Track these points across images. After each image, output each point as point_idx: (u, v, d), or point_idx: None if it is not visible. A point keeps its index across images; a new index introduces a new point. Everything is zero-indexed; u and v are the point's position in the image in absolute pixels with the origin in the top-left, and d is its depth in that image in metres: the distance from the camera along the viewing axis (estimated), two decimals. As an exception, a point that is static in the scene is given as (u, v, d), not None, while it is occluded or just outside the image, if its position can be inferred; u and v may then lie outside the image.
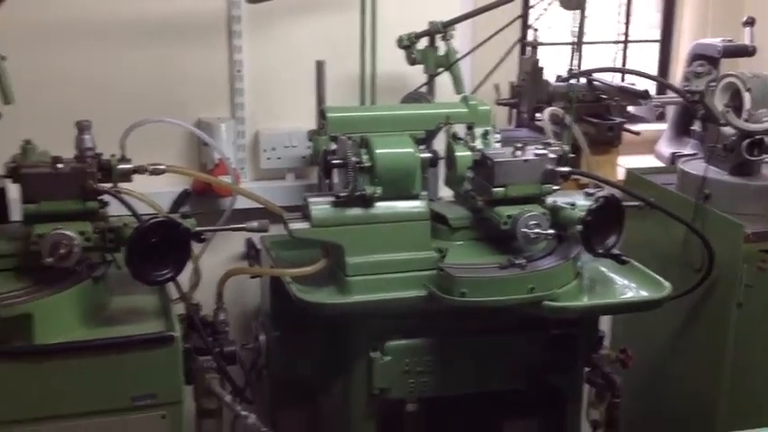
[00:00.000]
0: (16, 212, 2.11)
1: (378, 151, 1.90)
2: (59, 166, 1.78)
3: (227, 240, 2.43)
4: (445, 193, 2.29)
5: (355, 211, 1.93)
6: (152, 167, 1.90)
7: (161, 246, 1.74)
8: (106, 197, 1.83)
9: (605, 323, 2.36)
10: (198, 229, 1.84)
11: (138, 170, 1.88)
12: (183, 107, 2.31)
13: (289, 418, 2.34)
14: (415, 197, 1.96)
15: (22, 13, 2.16)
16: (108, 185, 1.82)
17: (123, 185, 1.86)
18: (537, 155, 1.94)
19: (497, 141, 2.07)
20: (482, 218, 2.00)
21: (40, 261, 1.73)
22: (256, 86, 2.42)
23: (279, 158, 2.46)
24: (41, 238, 1.73)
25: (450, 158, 2.00)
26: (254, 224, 1.95)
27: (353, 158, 1.89)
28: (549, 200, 1.99)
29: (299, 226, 1.93)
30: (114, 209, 1.85)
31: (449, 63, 2.32)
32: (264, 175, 2.48)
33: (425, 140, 2.09)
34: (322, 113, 2.07)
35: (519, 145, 1.95)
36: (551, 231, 1.89)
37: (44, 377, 1.69)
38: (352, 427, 2.07)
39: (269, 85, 2.43)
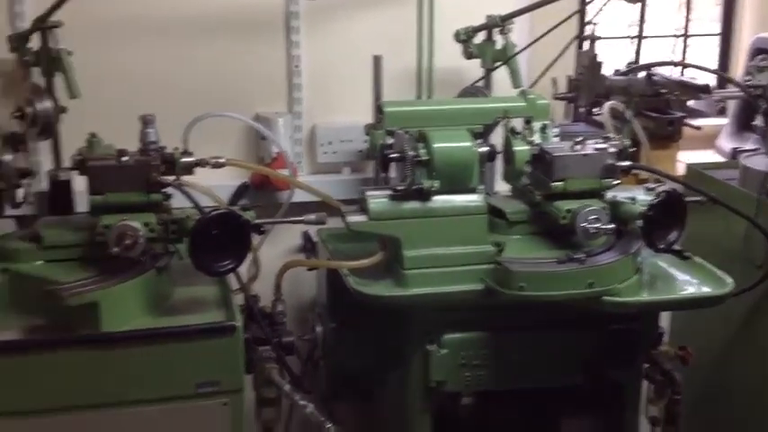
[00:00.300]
0: (80, 204, 2.19)
1: (435, 145, 1.91)
2: (124, 159, 1.82)
3: (284, 233, 2.46)
4: (501, 187, 2.29)
5: (412, 205, 1.94)
6: (213, 161, 1.93)
7: (222, 237, 1.77)
8: (169, 189, 1.87)
9: (664, 320, 2.33)
10: (258, 221, 1.86)
11: (200, 163, 1.91)
12: (242, 102, 2.34)
13: (344, 409, 2.36)
14: (473, 191, 1.96)
15: (88, 9, 2.21)
16: (171, 178, 1.85)
17: (185, 178, 1.90)
18: (597, 149, 1.92)
19: (555, 135, 2.06)
20: (540, 212, 1.99)
21: (106, 251, 1.77)
22: (314, 81, 2.44)
23: (335, 152, 2.48)
24: (108, 229, 1.77)
25: (509, 153, 2.00)
26: (312, 217, 1.97)
27: (411, 152, 1.90)
28: (609, 194, 1.97)
29: (356, 219, 1.94)
30: (176, 201, 1.89)
31: (506, 57, 2.31)
32: (321, 168, 2.51)
33: (482, 135, 2.09)
34: (379, 108, 2.08)
35: (578, 139, 1.94)
36: (611, 226, 1.87)
37: (111, 364, 1.73)
38: (408, 420, 2.09)
39: (326, 79, 2.45)
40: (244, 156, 2.43)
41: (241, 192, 2.39)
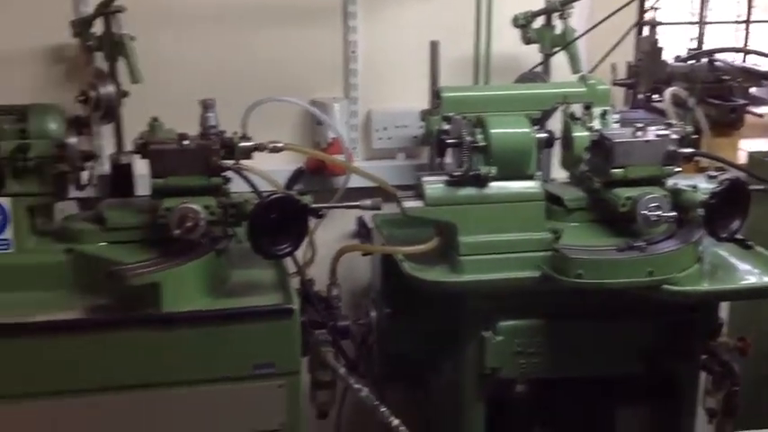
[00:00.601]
0: (140, 187, 2.23)
1: (493, 131, 1.90)
2: (185, 142, 1.85)
3: (338, 218, 2.47)
4: (557, 174, 2.27)
5: (469, 191, 1.93)
6: (271, 145, 1.95)
7: (280, 221, 1.78)
8: (228, 173, 1.89)
9: (723, 310, 2.29)
10: (315, 205, 1.88)
11: (258, 148, 1.93)
12: (298, 87, 2.35)
13: (396, 394, 2.36)
14: (530, 177, 1.95)
15: (151, -4, 2.25)
16: (230, 162, 1.87)
17: (243, 162, 1.91)
18: (658, 135, 1.89)
19: (616, 122, 2.03)
20: (598, 199, 1.97)
21: (168, 233, 1.80)
22: (370, 67, 2.45)
23: (390, 138, 2.48)
24: (169, 212, 1.80)
25: (568, 138, 1.98)
26: (368, 202, 1.98)
27: (468, 138, 1.89)
28: (670, 182, 1.94)
29: (412, 205, 1.94)
30: (232, 185, 1.91)
31: (566, 42, 2.28)
32: (375, 154, 2.51)
33: (540, 120, 2.07)
34: (437, 93, 2.08)
35: (639, 125, 1.91)
36: (673, 214, 1.84)
37: (171, 344, 1.76)
38: (461, 406, 2.09)
39: (382, 65, 2.46)
40: (300, 141, 2.45)
41: (296, 177, 2.41)
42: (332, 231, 2.47)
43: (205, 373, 1.78)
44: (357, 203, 1.98)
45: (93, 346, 1.73)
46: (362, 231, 2.52)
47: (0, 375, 1.69)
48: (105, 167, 2.27)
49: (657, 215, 1.83)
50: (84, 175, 1.87)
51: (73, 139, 1.82)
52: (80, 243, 1.87)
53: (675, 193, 1.91)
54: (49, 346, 1.71)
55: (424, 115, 2.26)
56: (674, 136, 1.92)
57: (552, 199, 2.00)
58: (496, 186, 1.93)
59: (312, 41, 2.42)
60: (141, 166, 2.21)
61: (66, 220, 1.94)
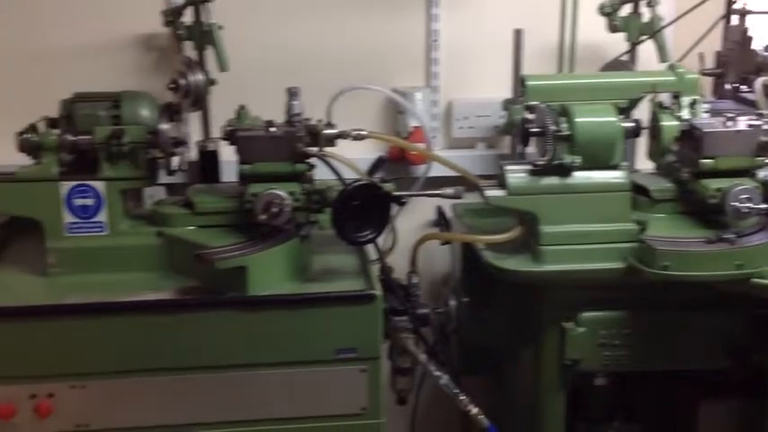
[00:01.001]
0: (225, 174, 2.28)
1: (578, 120, 1.88)
2: (272, 129, 1.88)
3: (417, 207, 2.48)
4: (642, 165, 2.23)
5: (552, 181, 1.92)
6: (355, 133, 1.97)
7: (363, 208, 1.81)
8: (312, 160, 1.92)
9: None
10: (398, 193, 1.89)
11: (342, 135, 1.96)
12: (380, 76, 2.36)
13: (473, 383, 2.37)
14: (615, 167, 1.92)
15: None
16: (314, 149, 1.90)
17: (327, 150, 1.94)
18: (750, 126, 1.85)
19: (705, 111, 1.99)
20: (686, 191, 1.93)
21: (254, 218, 1.85)
22: (451, 56, 2.44)
23: (471, 127, 2.47)
24: (255, 197, 1.84)
25: (656, 128, 1.95)
26: (449, 191, 1.99)
27: (552, 127, 1.88)
28: (761, 174, 1.89)
29: (494, 194, 1.94)
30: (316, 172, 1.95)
31: (653, 31, 2.24)
32: (455, 143, 2.51)
33: (625, 110, 2.04)
34: (521, 81, 2.06)
35: (730, 115, 1.87)
36: (764, 206, 1.80)
37: (255, 326, 1.80)
38: (540, 398, 2.08)
39: (464, 54, 2.45)
40: (381, 130, 2.46)
41: (377, 165, 2.41)
42: (411, 220, 2.48)
43: (288, 356, 1.82)
44: (438, 192, 1.99)
45: (182, 326, 1.78)
46: (441, 221, 2.52)
47: (94, 353, 1.77)
48: (192, 154, 2.33)
49: (748, 207, 1.79)
50: (175, 161, 1.93)
51: (165, 126, 1.87)
52: (170, 226, 1.93)
53: (766, 184, 1.86)
54: (140, 326, 1.77)
55: (507, 104, 2.25)
56: (766, 127, 1.87)
57: (638, 190, 1.97)
58: (580, 176, 1.91)
59: (394, 30, 2.42)
60: (227, 153, 2.28)
61: (157, 205, 2.00)
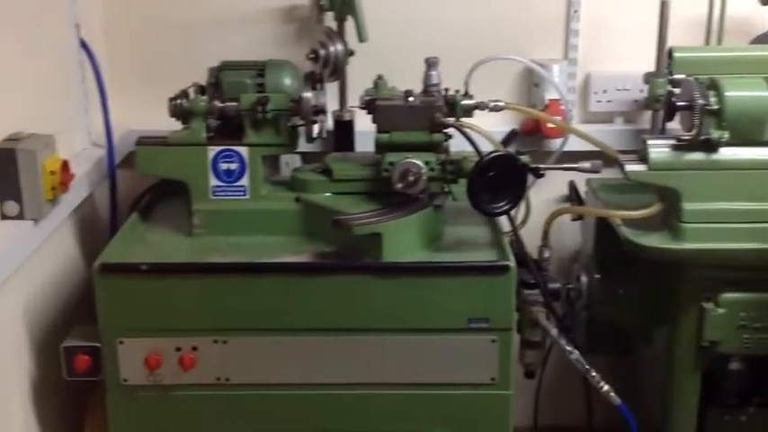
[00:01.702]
0: (358, 143, 2.32)
1: (728, 94, 1.81)
2: (411, 99, 1.90)
3: (550, 182, 2.44)
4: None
5: (697, 156, 1.86)
6: (492, 104, 1.97)
7: (499, 179, 1.80)
8: (450, 131, 1.93)
9: None
10: (536, 165, 1.87)
11: (480, 106, 1.95)
12: (516, 47, 2.33)
13: (601, 361, 2.34)
14: (765, 144, 1.85)
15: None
16: (452, 120, 1.91)
17: (463, 120, 1.94)
18: None
19: None
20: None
21: (389, 187, 1.87)
22: (591, 27, 2.38)
23: (609, 101, 2.41)
24: (392, 166, 1.87)
25: (810, 104, 1.85)
26: (587, 165, 1.95)
27: (700, 101, 1.82)
28: None
29: (635, 168, 1.90)
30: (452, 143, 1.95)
31: (810, 2, 2.12)
32: (592, 117, 2.46)
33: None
34: (668, 53, 2.00)
35: None
36: None
37: (389, 293, 1.83)
38: (673, 379, 2.04)
39: (604, 25, 2.38)
40: (514, 102, 2.43)
41: (510, 138, 2.41)
42: (543, 194, 2.45)
43: (420, 323, 1.84)
44: (575, 165, 1.95)
45: (319, 289, 1.83)
46: (573, 196, 2.48)
47: (236, 310, 1.84)
48: (328, 124, 2.38)
49: None
50: (315, 129, 1.98)
51: (308, 94, 1.92)
52: (308, 192, 1.98)
53: None
54: (280, 287, 1.83)
55: (648, 78, 2.18)
56: None
57: (788, 168, 1.88)
58: (727, 152, 1.85)
59: (534, 0, 2.39)
60: (360, 123, 2.31)
61: (296, 171, 2.06)
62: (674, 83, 2.00)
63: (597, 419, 2.48)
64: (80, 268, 2.18)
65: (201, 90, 2.00)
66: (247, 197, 1.98)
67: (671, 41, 2.20)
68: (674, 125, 2.20)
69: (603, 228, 2.11)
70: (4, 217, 1.76)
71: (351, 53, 2.21)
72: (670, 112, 1.88)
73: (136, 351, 1.83)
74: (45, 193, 1.78)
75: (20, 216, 1.76)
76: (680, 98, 1.86)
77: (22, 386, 1.88)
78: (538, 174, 1.86)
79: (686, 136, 1.84)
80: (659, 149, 1.88)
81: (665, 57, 2.05)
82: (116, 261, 1.83)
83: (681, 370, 2.01)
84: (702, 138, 1.82)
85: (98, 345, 1.84)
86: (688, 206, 1.86)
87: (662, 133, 2.23)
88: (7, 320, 1.82)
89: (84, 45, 2.18)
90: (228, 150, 1.95)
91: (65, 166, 1.84)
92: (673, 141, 1.87)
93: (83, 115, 2.22)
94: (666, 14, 2.14)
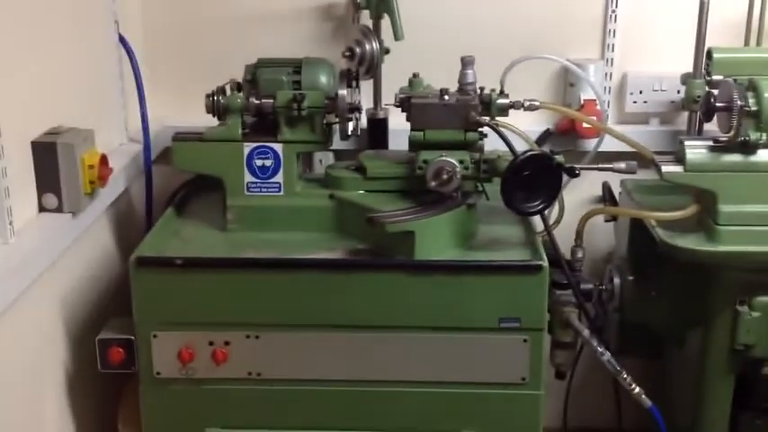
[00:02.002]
0: (391, 142, 2.32)
1: (767, 95, 1.79)
2: (446, 97, 1.90)
3: (583, 183, 2.43)
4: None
5: (734, 158, 1.85)
6: (527, 103, 1.96)
7: (533, 179, 1.80)
8: (485, 129, 1.92)
9: None
10: (571, 165, 1.86)
11: (515, 105, 1.95)
12: (552, 47, 2.32)
13: (631, 363, 2.32)
14: (805, 147, 1.83)
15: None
16: (487, 119, 1.90)
17: (499, 120, 1.94)
18: None
19: None
20: None
21: (423, 185, 1.88)
22: (629, 27, 2.37)
23: (645, 102, 2.39)
24: (426, 164, 1.87)
25: None
26: (622, 165, 1.94)
27: (739, 102, 1.80)
28: None
29: (671, 169, 1.89)
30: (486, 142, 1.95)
31: None
32: (627, 118, 2.44)
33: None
34: (707, 54, 1.98)
35: None
36: None
37: (421, 290, 1.83)
38: (705, 383, 2.02)
39: (642, 25, 2.37)
40: (549, 102, 2.43)
41: (544, 138, 2.40)
42: (576, 195, 2.44)
43: (451, 321, 1.84)
44: (611, 165, 1.94)
45: (351, 286, 1.83)
46: (607, 196, 2.47)
47: (268, 306, 1.85)
48: (362, 122, 2.38)
49: None
50: (350, 126, 1.98)
51: (344, 91, 1.92)
52: (342, 190, 1.99)
53: None
54: (312, 283, 1.84)
55: (686, 79, 2.17)
56: None
57: (827, 171, 1.86)
58: (765, 154, 1.84)
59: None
60: (393, 122, 2.32)
61: (329, 168, 2.07)
62: (712, 84, 1.98)
63: (627, 422, 2.47)
64: (115, 262, 2.21)
65: (237, 87, 2.01)
66: (281, 193, 1.99)
67: (709, 42, 2.18)
68: (711, 127, 2.18)
69: (638, 229, 2.10)
70: (43, 209, 1.79)
71: (386, 51, 2.22)
72: (708, 114, 1.86)
73: (169, 344, 1.85)
74: (83, 186, 1.81)
75: (58, 209, 1.79)
76: (718, 99, 1.84)
77: (56, 377, 1.91)
78: (573, 173, 1.85)
79: (724, 137, 1.82)
80: (696, 150, 1.86)
81: (704, 57, 2.03)
82: (152, 255, 1.85)
83: (713, 373, 1.99)
84: (740, 139, 1.80)
85: (132, 338, 1.86)
86: (724, 208, 1.85)
87: (698, 134, 2.21)
88: (44, 312, 1.85)
89: (122, 41, 2.20)
90: (264, 147, 1.97)
91: (103, 160, 1.87)
92: (710, 143, 1.86)
93: (120, 111, 2.25)
94: (705, 15, 2.12)
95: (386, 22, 2.20)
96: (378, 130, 2.32)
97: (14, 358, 1.71)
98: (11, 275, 1.59)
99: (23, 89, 1.72)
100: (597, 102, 2.27)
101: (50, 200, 1.78)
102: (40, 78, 1.81)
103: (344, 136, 1.99)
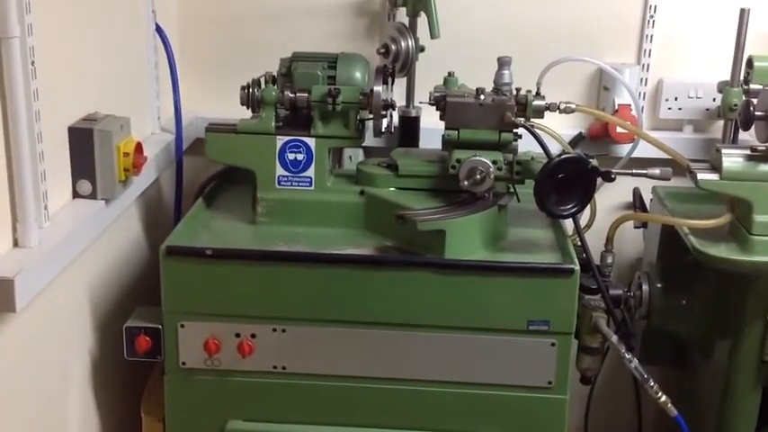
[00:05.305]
0: (422, 140, 2.32)
1: (808, 105, 1.77)
2: (482, 97, 1.89)
3: (613, 188, 2.39)
4: None
5: (771, 168, 1.82)
6: (563, 105, 1.94)
7: (567, 182, 1.78)
8: (518, 131, 1.91)
9: None
10: (606, 169, 1.85)
11: (550, 107, 1.93)
12: (589, 50, 2.30)
13: (655, 371, 2.31)
14: (844, 159, 1.80)
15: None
16: (522, 120, 1.89)
17: (534, 121, 1.93)
18: None
19: None
20: None
21: (455, 184, 1.87)
22: (666, 33, 2.35)
23: (680, 109, 2.37)
24: (459, 163, 1.86)
25: None
26: (657, 171, 1.91)
27: (778, 111, 1.78)
28: None
29: (707, 177, 1.87)
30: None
31: None
32: (661, 125, 2.42)
33: None
34: (748, 62, 1.96)
35: None
36: None
37: (450, 290, 1.82)
38: (732, 395, 2.00)
39: (679, 31, 2.35)
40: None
41: (576, 141, 2.39)
42: (606, 200, 2.43)
43: (479, 322, 1.83)
44: (645, 171, 1.92)
45: (379, 283, 1.82)
46: (637, 203, 2.45)
47: (296, 299, 1.84)
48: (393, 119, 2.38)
49: None
50: (384, 123, 1.98)
51: (379, 88, 1.92)
52: (373, 186, 1.99)
53: None
54: (341, 278, 1.83)
55: (722, 87, 2.15)
56: None
57: None
58: (803, 165, 1.81)
59: (609, 3, 2.35)
60: (425, 120, 2.31)
61: (361, 164, 2.07)
62: (750, 92, 1.96)
63: (646, 430, 2.45)
64: (144, 251, 2.22)
65: (272, 80, 2.01)
66: (312, 188, 1.98)
67: (748, 50, 2.16)
68: (745, 136, 2.16)
69: (668, 236, 2.08)
70: (77, 195, 1.80)
71: (422, 49, 2.21)
72: (747, 122, 1.84)
73: (196, 335, 1.85)
74: (118, 174, 1.81)
75: (92, 195, 1.80)
76: (758, 108, 1.82)
77: (82, 363, 1.92)
78: (609, 178, 1.83)
79: (761, 146, 1.80)
80: (733, 159, 1.84)
81: (743, 65, 2.01)
82: (182, 245, 1.85)
83: (741, 385, 1.97)
84: (780, 149, 1.79)
85: (159, 327, 1.86)
86: (759, 218, 1.83)
87: (734, 143, 2.19)
88: (74, 297, 1.86)
89: (159, 30, 2.21)
90: (296, 141, 1.97)
91: (138, 148, 1.87)
92: (747, 151, 1.84)
93: (154, 100, 2.25)
94: (746, 23, 2.10)
95: (422, 19, 2.19)
96: (409, 128, 2.32)
97: (42, 343, 1.72)
98: (45, 260, 1.59)
99: (61, 75, 1.73)
100: (632, 107, 2.25)
101: (85, 186, 1.79)
102: (78, 64, 1.82)
103: (378, 133, 1.99)
